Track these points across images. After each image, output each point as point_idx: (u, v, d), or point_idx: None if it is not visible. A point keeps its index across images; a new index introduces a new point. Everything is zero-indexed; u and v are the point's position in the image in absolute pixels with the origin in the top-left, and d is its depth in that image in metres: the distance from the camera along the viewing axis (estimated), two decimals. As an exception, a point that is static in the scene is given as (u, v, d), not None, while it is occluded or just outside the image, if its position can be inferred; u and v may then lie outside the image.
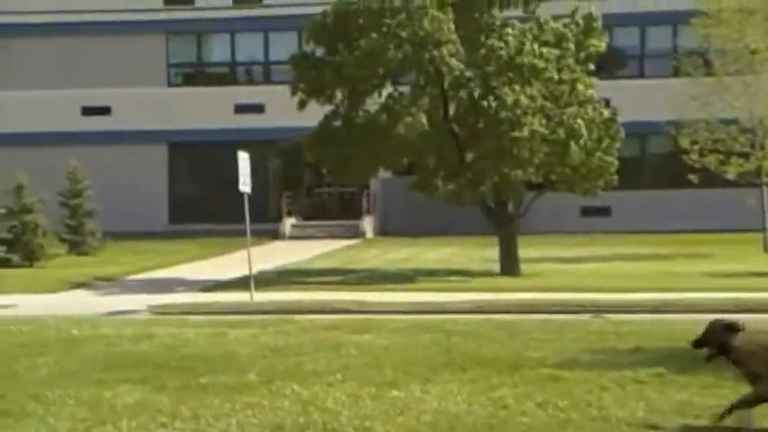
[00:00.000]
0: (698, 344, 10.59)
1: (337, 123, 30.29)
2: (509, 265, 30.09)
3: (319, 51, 30.96)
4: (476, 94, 29.21)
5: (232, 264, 32.11)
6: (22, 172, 36.99)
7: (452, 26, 29.28)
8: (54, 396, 12.84)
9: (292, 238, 46.97)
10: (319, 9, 30.60)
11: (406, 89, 30.42)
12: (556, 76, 29.24)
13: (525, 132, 28.39)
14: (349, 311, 22.12)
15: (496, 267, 30.45)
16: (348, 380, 13.58)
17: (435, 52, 28.79)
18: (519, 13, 31.33)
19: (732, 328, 10.30)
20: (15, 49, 50.00)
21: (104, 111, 50.68)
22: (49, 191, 37.36)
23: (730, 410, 10.46)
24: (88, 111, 50.60)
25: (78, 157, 41.43)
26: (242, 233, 26.43)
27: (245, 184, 25.62)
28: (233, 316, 21.69)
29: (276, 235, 46.56)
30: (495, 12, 30.77)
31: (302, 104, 30.51)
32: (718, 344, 10.34)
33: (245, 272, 25.72)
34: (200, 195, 50.31)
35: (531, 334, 17.70)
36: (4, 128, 49.62)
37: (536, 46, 29.08)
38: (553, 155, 29.19)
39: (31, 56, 50.13)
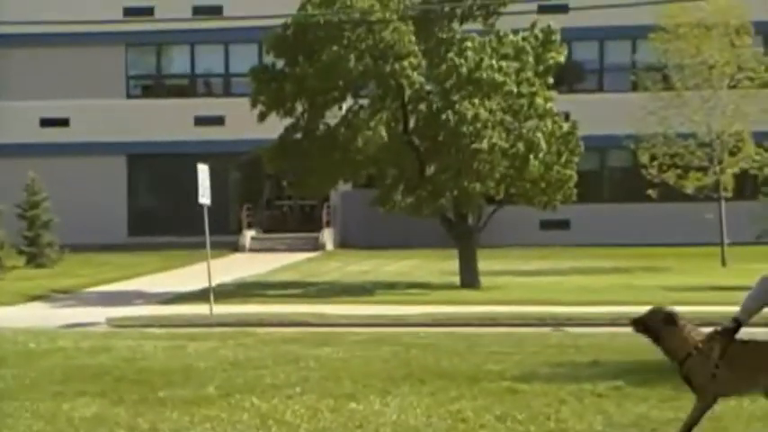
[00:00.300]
0: (635, 323, 10.53)
1: (297, 136, 30.29)
2: (469, 277, 30.14)
3: (279, 64, 30.95)
4: (435, 107, 29.27)
5: (192, 276, 31.98)
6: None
7: (413, 38, 29.36)
8: (10, 409, 12.74)
9: (252, 250, 46.85)
10: (280, 21, 30.58)
11: (366, 102, 30.45)
12: (515, 90, 29.36)
13: (485, 145, 28.48)
14: (308, 324, 22.11)
15: (456, 280, 30.51)
16: (307, 393, 13.55)
17: (396, 65, 28.85)
18: (478, 26, 31.46)
19: (670, 320, 10.30)
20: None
21: (63, 122, 50.39)
22: (6, 202, 37.12)
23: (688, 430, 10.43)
24: (46, 122, 50.30)
25: (36, 169, 41.19)
26: (202, 245, 26.34)
27: (204, 197, 25.55)
28: (192, 329, 21.62)
29: (236, 247, 46.44)
30: (455, 26, 30.89)
31: (262, 117, 30.49)
32: (653, 330, 10.32)
33: (205, 284, 25.63)
34: (160, 208, 50.11)
35: (491, 347, 17.72)
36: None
37: (494, 60, 29.18)
38: (513, 168, 29.31)
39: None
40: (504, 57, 29.66)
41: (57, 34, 46.51)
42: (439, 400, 13.00)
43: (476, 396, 13.19)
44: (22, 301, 28.11)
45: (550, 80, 30.71)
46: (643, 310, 10.42)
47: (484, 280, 30.27)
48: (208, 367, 15.82)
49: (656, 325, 10.21)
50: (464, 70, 28.86)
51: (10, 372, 15.45)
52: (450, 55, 29.33)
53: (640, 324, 10.33)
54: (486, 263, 31.79)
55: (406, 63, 28.86)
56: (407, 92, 29.51)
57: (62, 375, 15.17)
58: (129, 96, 51.41)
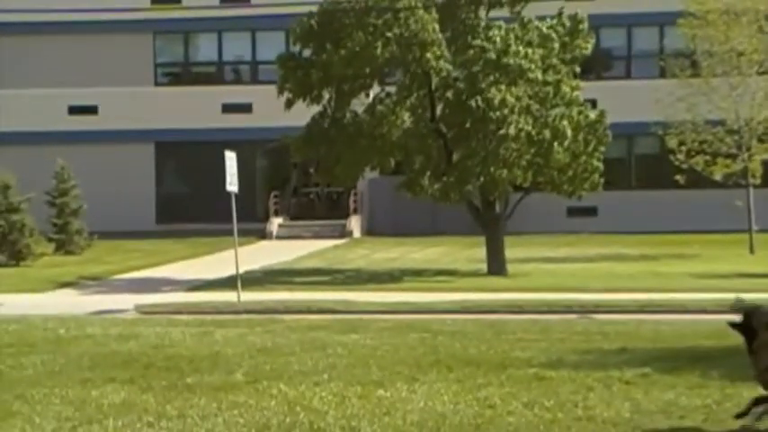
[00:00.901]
0: (735, 324, 10.49)
1: (325, 124, 30.29)
2: (496, 265, 30.11)
3: (306, 51, 30.95)
4: (463, 94, 29.19)
5: (219, 263, 32.07)
6: (9, 171, 36.94)
7: (437, 26, 29.30)
8: (40, 395, 12.82)
9: (279, 237, 46.89)
10: (307, 9, 30.59)
11: (393, 89, 30.43)
12: (540, 77, 29.26)
13: (512, 131, 28.43)
14: (335, 311, 22.14)
15: (484, 267, 30.49)
16: (334, 379, 13.59)
17: (419, 53, 28.82)
18: (505, 14, 31.37)
19: None
20: (2, 47, 49.96)
21: (91, 110, 50.57)
22: (35, 190, 37.31)
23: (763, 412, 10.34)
24: (75, 110, 50.49)
25: (65, 157, 41.35)
26: (229, 233, 26.42)
27: (232, 184, 25.60)
28: (220, 316, 21.70)
29: (263, 235, 46.51)
30: (482, 13, 30.82)
31: (289, 104, 30.52)
32: (752, 329, 10.26)
33: (233, 271, 25.70)
34: (188, 195, 50.25)
35: (518, 334, 17.72)
36: (-8, 126, 49.60)
37: (521, 47, 29.11)
38: (539, 156, 29.25)
39: (17, 55, 50.01)
40: (530, 44, 29.57)
41: (85, 22, 46.73)
42: (466, 386, 13.02)
43: (503, 383, 13.20)
44: (51, 287, 28.26)
45: (577, 69, 30.62)
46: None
47: (511, 267, 30.23)
48: (235, 354, 15.87)
49: (759, 325, 10.20)
50: (492, 55, 28.80)
51: (39, 358, 15.55)
52: (477, 41, 29.26)
53: (742, 323, 10.31)
54: (513, 250, 31.75)
55: (429, 55, 28.81)
56: (434, 79, 29.47)
57: (91, 362, 15.25)
58: (156, 84, 51.54)
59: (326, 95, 30.17)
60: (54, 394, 12.87)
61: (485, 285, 27.05)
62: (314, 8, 30.25)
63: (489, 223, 30.72)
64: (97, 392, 12.94)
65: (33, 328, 19.23)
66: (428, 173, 29.98)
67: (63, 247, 39.07)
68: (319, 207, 50.70)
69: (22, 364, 15.12)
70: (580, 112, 29.92)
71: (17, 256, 35.42)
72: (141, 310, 23.06)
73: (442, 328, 18.71)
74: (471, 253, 34.11)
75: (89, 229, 39.78)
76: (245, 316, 21.39)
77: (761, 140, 37.19)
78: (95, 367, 14.77)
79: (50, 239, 38.76)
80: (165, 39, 51.52)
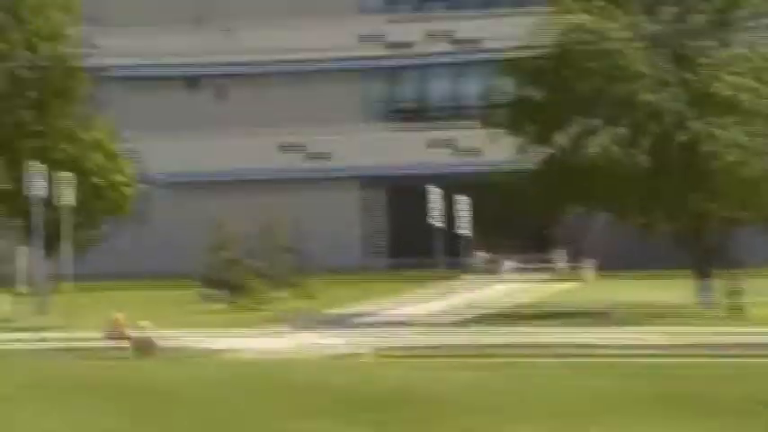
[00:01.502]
0: None
1: (552, 163, 30.11)
2: (733, 303, 28.98)
3: (510, 88, 30.90)
4: (690, 130, 28.65)
5: (447, 299, 31.61)
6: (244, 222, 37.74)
7: (647, 60, 28.96)
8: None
9: (485, 273, 46.73)
10: (507, 45, 30.63)
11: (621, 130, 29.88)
12: (754, 107, 28.61)
13: (720, 165, 27.89)
14: (573, 354, 21.67)
15: (717, 307, 29.52)
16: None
17: (630, 87, 28.52)
18: (716, 43, 30.71)
19: None
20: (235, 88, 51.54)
21: (300, 148, 51.65)
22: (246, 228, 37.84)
23: None
24: (285, 148, 51.61)
25: (276, 196, 42.08)
26: (434, 267, 26.04)
27: (437, 219, 25.53)
28: (456, 359, 21.43)
29: (469, 270, 46.38)
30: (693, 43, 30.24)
31: (494, 140, 30.56)
32: None
33: (472, 309, 24.98)
34: (397, 231, 50.65)
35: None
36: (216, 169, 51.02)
37: (733, 77, 28.50)
38: (749, 191, 28.58)
39: (241, 99, 51.54)
40: (743, 74, 29.00)
41: (298, 71, 47.78)
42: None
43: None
44: (284, 329, 28.41)
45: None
46: None
47: (751, 305, 28.80)
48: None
49: None
50: (701, 87, 28.40)
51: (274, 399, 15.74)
52: (686, 74, 28.86)
53: None
54: (751, 287, 30.02)
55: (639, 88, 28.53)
56: (665, 118, 28.94)
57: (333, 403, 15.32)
58: (365, 122, 52.23)
59: (553, 137, 30.02)
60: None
61: (723, 325, 26.15)
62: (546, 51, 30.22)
63: (721, 260, 29.92)
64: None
65: (268, 372, 19.45)
66: (655, 210, 29.43)
67: (294, 289, 39.43)
68: (526, 242, 50.30)
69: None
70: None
71: (253, 299, 36.18)
72: (380, 353, 22.88)
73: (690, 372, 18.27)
74: (701, 292, 32.34)
75: (309, 269, 40.17)
76: (484, 360, 21.05)
77: None
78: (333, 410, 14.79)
79: (288, 284, 39.16)
80: (371, 77, 52.26)
